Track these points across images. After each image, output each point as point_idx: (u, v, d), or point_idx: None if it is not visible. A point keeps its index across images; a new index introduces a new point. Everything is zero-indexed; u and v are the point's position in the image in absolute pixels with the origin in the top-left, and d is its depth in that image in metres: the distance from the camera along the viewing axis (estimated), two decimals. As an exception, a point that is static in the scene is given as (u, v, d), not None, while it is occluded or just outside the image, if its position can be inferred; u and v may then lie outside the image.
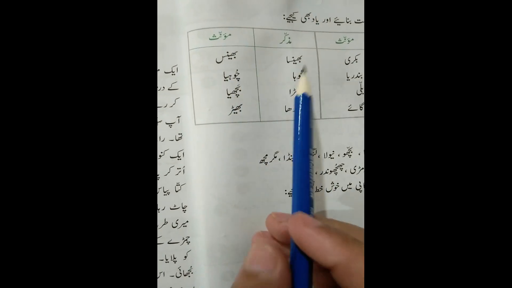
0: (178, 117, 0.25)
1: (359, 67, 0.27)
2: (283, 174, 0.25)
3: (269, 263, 0.18)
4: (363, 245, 0.17)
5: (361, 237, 0.19)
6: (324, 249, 0.17)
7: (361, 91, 0.27)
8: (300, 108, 0.22)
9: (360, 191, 0.26)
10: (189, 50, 0.24)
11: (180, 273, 0.25)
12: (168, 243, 0.24)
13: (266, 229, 0.24)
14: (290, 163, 0.25)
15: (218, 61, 0.24)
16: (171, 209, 0.24)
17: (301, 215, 0.19)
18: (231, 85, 0.24)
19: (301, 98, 0.22)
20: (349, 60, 0.27)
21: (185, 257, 0.24)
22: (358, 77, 0.27)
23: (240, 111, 0.24)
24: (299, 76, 0.26)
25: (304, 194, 0.21)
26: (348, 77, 0.27)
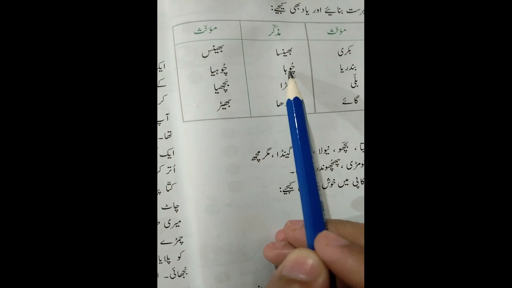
0: (167, 114, 0.24)
1: (353, 59, 0.26)
2: (277, 171, 0.24)
3: (314, 272, 0.18)
4: None
5: None
6: (348, 268, 0.17)
7: (355, 83, 0.26)
8: (294, 113, 0.22)
9: (357, 187, 0.26)
10: (174, 45, 0.24)
11: (175, 274, 0.24)
12: (161, 243, 0.24)
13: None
14: (284, 159, 0.25)
15: (204, 55, 0.23)
16: (163, 208, 0.24)
17: (324, 233, 0.20)
18: (218, 80, 0.24)
19: (293, 102, 0.22)
20: (342, 52, 0.26)
21: (179, 257, 0.24)
22: (352, 69, 0.26)
23: (229, 106, 0.24)
24: (290, 69, 0.25)
25: (313, 199, 0.21)
26: (342, 69, 0.26)
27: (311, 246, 0.20)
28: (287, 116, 0.25)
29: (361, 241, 0.19)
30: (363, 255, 0.17)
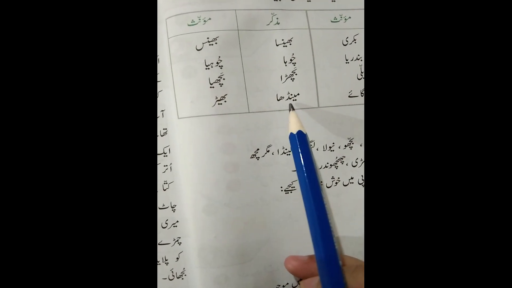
0: (162, 111, 0.23)
1: (359, 48, 0.25)
2: (278, 170, 0.23)
3: None
4: None
5: None
6: None
7: (361, 75, 0.25)
8: (299, 149, 0.21)
9: (363, 186, 0.24)
10: (168, 38, 0.23)
11: (173, 275, 0.24)
12: (159, 244, 0.23)
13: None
14: (285, 157, 0.24)
15: (198, 48, 0.22)
16: (159, 208, 0.23)
17: None
18: (213, 73, 0.23)
19: (297, 136, 0.21)
20: (347, 41, 0.25)
21: (177, 258, 0.23)
22: (358, 59, 0.24)
23: (225, 101, 0.23)
24: (291, 60, 0.24)
25: (327, 245, 0.20)
26: (347, 60, 0.24)
27: None
28: (287, 111, 0.24)
29: None
30: None
